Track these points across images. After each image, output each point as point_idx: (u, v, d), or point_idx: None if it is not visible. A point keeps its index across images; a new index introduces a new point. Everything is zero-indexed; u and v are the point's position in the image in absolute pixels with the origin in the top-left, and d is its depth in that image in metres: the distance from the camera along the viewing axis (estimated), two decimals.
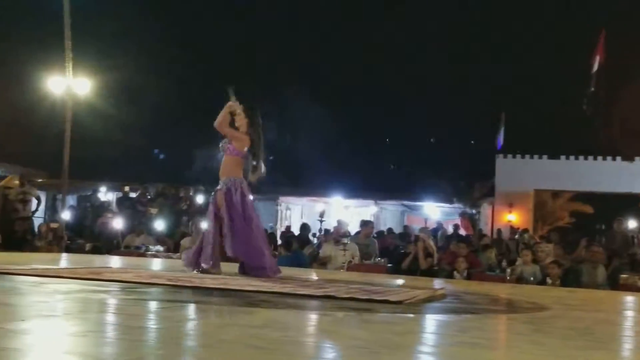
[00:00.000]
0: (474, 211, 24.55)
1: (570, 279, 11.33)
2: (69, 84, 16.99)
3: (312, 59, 32.83)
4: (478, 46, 34.24)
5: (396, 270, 12.25)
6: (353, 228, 16.05)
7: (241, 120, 7.88)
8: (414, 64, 32.61)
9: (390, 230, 19.21)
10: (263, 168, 7.95)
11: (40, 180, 21.86)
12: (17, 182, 18.78)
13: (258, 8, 33.18)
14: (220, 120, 7.79)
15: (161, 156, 28.15)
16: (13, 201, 16.84)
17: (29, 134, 25.67)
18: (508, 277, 11.58)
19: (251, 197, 7.98)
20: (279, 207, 24.50)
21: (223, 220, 7.58)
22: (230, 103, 7.85)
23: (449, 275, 11.63)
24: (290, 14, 32.55)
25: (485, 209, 24.79)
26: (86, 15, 19.60)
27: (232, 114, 7.87)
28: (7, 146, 25.17)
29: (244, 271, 7.64)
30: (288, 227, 21.00)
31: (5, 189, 19.27)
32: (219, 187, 7.75)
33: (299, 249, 13.17)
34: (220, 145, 7.89)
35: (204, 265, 7.57)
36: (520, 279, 11.46)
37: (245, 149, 7.80)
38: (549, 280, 11.16)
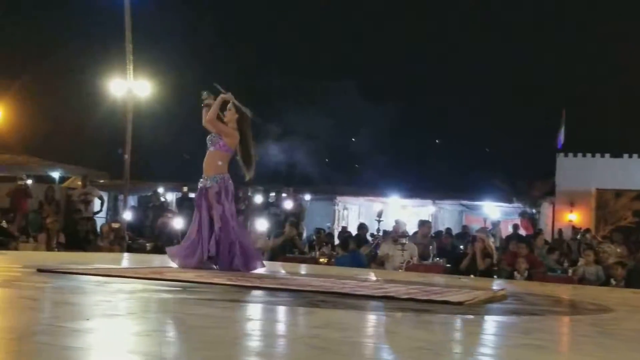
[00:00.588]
0: (534, 211, 24.21)
1: (635, 279, 11.09)
2: (129, 86, 17.26)
3: (369, 56, 32.71)
4: (538, 42, 33.74)
5: (454, 271, 12.15)
6: (411, 228, 15.98)
7: (231, 116, 7.86)
8: (474, 60, 32.26)
9: (448, 230, 19.06)
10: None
11: (102, 181, 22.25)
12: (79, 183, 19.15)
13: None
14: (212, 116, 7.79)
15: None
16: (76, 202, 17.18)
17: (91, 136, 26.14)
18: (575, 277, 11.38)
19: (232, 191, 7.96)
20: (336, 207, 24.50)
21: (213, 218, 7.57)
22: (223, 96, 7.85)
23: (509, 276, 11.49)
24: (350, 9, 32.40)
25: (546, 209, 24.43)
26: (147, 17, 19.86)
27: (222, 109, 7.89)
28: (70, 148, 25.69)
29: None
30: (344, 227, 20.98)
31: (68, 190, 19.68)
32: (209, 185, 7.66)
33: (356, 248, 13.15)
34: (208, 139, 7.81)
35: (196, 263, 7.49)
36: (582, 280, 11.26)
37: (234, 145, 7.84)
38: (612, 281, 10.95)
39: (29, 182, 19.95)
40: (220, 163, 7.72)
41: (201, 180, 7.77)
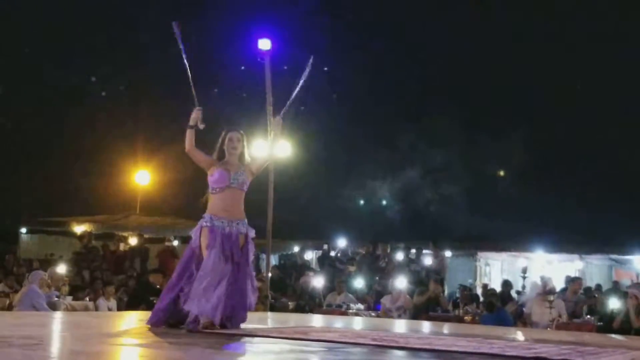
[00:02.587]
0: None
1: None
2: (270, 147, 17.61)
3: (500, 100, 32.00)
4: None
5: (606, 329, 11.60)
6: (557, 284, 15.45)
7: (244, 150, 7.10)
8: (611, 104, 31.02)
9: (598, 286, 18.30)
10: None
11: None
12: None
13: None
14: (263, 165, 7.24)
15: None
16: None
17: None
18: None
19: None
20: (477, 263, 24.01)
21: (239, 266, 6.63)
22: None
23: None
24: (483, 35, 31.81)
25: None
26: (284, 76, 20.36)
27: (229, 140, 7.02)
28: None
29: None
30: (485, 285, 20.51)
31: None
32: (243, 231, 6.80)
33: (501, 306, 12.81)
34: (240, 177, 6.92)
35: (203, 319, 6.29)
36: None
37: None
38: None
39: (176, 243, 20.67)
40: (243, 206, 7.00)
41: (227, 222, 6.78)
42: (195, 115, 6.98)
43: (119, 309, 12.43)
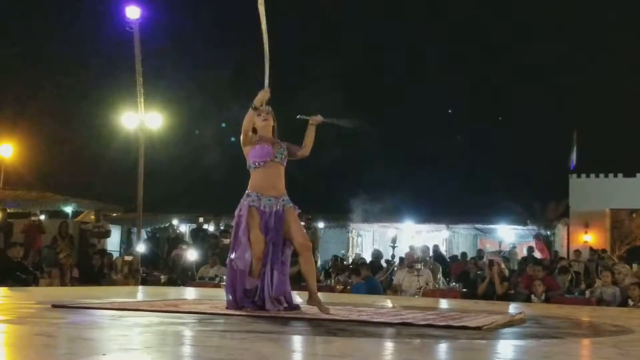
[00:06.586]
0: (548, 232, 24.10)
1: None
2: (141, 119, 17.29)
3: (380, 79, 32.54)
4: (548, 62, 33.74)
5: (471, 295, 12.07)
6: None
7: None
8: (485, 82, 32.19)
9: (464, 254, 18.99)
10: None
11: (115, 214, 22.28)
12: (92, 217, 19.19)
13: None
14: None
15: None
16: (89, 236, 17.19)
17: (103, 170, 26.24)
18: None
19: None
20: (349, 234, 24.43)
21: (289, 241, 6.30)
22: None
23: (526, 299, 11.40)
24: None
25: (560, 230, 24.32)
26: (157, 50, 19.96)
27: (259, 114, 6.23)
28: (83, 182, 25.80)
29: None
30: (358, 254, 20.92)
31: (81, 224, 19.73)
32: (289, 205, 6.23)
33: (372, 275, 13.08)
34: (282, 151, 6.31)
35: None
36: (600, 301, 11.17)
37: None
38: (630, 302, 10.84)
39: (42, 217, 20.00)
40: None
41: (271, 198, 6.17)
42: (262, 96, 6.21)
43: None
